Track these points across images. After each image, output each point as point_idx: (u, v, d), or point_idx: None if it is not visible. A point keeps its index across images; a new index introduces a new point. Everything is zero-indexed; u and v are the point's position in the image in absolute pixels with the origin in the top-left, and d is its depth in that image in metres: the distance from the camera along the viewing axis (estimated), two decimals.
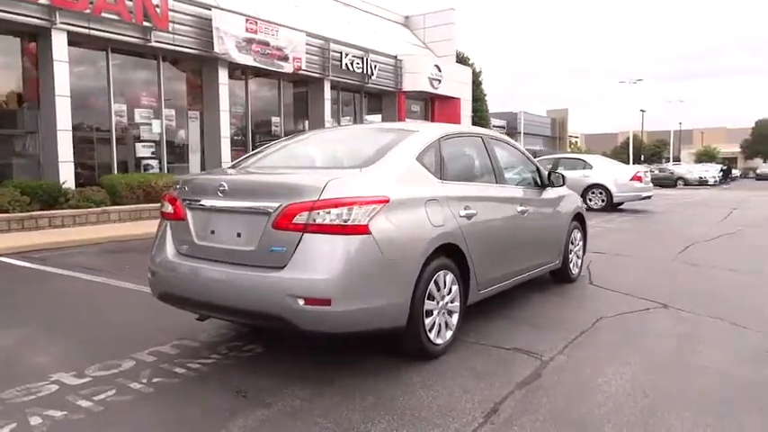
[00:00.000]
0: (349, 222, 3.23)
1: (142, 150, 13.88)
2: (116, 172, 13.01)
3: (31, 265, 7.45)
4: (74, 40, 11.81)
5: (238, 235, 3.51)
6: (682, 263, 7.56)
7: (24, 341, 4.33)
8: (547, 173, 5.64)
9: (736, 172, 53.04)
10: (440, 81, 21.34)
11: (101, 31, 12.01)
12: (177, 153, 14.79)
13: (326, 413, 3.04)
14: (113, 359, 3.84)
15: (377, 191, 3.42)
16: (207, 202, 3.67)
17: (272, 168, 4.09)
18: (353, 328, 3.32)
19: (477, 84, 24.62)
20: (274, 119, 17.21)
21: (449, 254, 3.89)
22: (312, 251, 3.23)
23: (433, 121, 22.64)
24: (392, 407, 3.12)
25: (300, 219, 3.26)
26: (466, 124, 23.28)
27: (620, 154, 56.81)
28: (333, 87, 18.19)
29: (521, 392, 3.32)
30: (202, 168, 15.05)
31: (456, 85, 22.41)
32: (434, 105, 22.59)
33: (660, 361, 3.85)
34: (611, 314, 4.98)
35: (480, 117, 24.39)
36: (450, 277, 3.91)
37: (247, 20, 14.58)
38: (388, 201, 3.41)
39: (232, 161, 15.07)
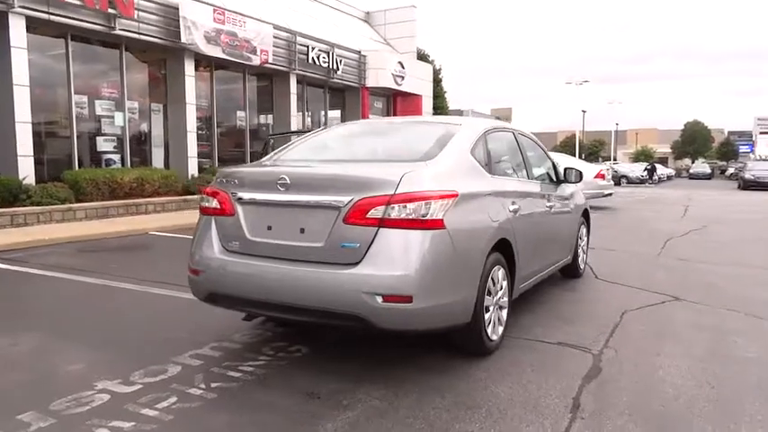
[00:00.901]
0: (428, 217, 3.15)
1: (104, 144, 13.19)
2: (76, 167, 12.32)
3: (10, 266, 6.94)
4: (31, 25, 11.08)
5: (301, 231, 3.36)
6: (670, 257, 7.85)
7: (46, 348, 4.02)
8: (563, 169, 5.70)
9: (670, 171, 55.52)
10: (403, 78, 21.35)
11: (61, 16, 11.30)
12: (139, 147, 14.15)
13: (413, 413, 2.96)
14: (155, 364, 3.62)
15: (447, 185, 3.36)
16: (264, 197, 3.49)
17: (324, 161, 3.93)
18: (429, 326, 3.25)
19: (437, 81, 24.81)
20: (239, 113, 16.75)
21: (500, 249, 3.87)
22: (390, 246, 3.13)
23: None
24: (474, 404, 3.08)
25: (376, 213, 3.15)
26: None
27: (560, 153, 58.43)
28: (298, 81, 17.87)
29: (591, 387, 3.34)
30: (166, 164, 14.47)
31: (418, 81, 22.49)
32: (396, 102, 22.58)
33: (704, 352, 3.96)
34: (633, 308, 5.09)
35: (441, 114, 24.57)
36: (501, 272, 3.89)
37: (215, 10, 14.11)
38: (457, 195, 3.36)
39: (198, 156, 14.63)
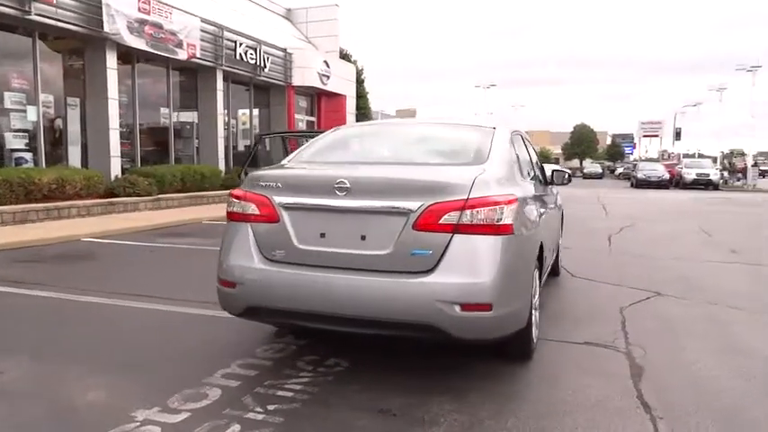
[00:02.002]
0: (501, 222, 3.07)
1: (14, 141, 11.88)
2: None
3: None
4: None
5: (362, 238, 3.16)
6: (623, 254, 8.29)
7: (42, 373, 3.53)
8: (550, 171, 5.82)
9: (567, 171, 58.78)
10: (328, 77, 21.09)
11: None
12: (54, 145, 12.89)
13: (499, 425, 2.88)
14: (187, 387, 3.27)
15: (507, 189, 3.29)
16: (317, 202, 3.24)
17: (369, 163, 3.70)
18: (501, 333, 3.17)
19: (359, 81, 24.73)
20: (163, 110, 15.74)
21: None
22: (467, 253, 3.02)
23: (319, 117, 22.33)
24: (553, 411, 3.04)
25: (450, 218, 3.03)
26: (351, 122, 23.30)
27: None
28: (224, 78, 17.10)
29: (645, 386, 3.38)
30: (84, 163, 13.29)
31: (342, 81, 22.30)
32: (321, 101, 22.27)
33: (720, 345, 4.18)
34: (626, 305, 5.29)
35: (365, 115, 24.55)
36: (537, 274, 3.89)
37: None
38: (518, 200, 3.30)
39: (121, 156, 13.58)
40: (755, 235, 11.20)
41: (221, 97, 16.90)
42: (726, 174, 36.30)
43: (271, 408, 3.03)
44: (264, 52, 18.10)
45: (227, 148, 17.58)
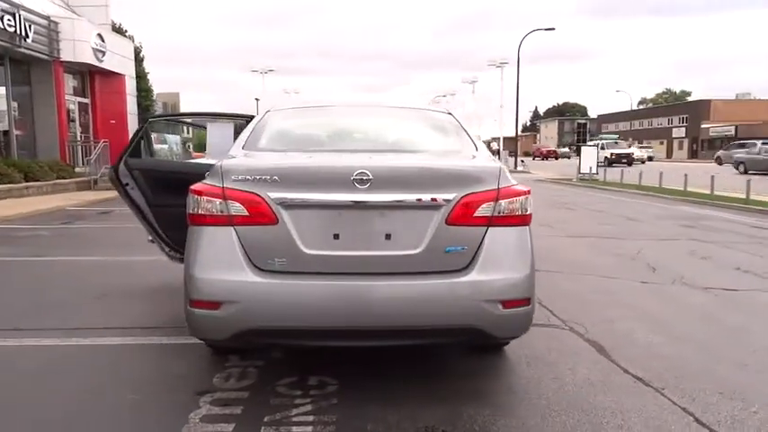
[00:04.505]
0: (527, 212, 2.94)
1: None
2: None
3: None
4: None
5: (387, 237, 2.75)
6: None
7: None
8: None
9: None
10: (104, 53, 18.45)
11: None
12: None
13: (546, 428, 2.77)
14: None
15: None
16: (331, 197, 2.71)
17: (383, 151, 3.21)
18: (529, 328, 3.04)
19: (138, 60, 22.09)
20: None
21: None
22: (503, 246, 2.83)
23: (94, 99, 19.46)
24: (580, 398, 3.04)
25: (485, 210, 2.80)
26: (132, 104, 20.80)
27: None
28: None
29: (623, 363, 3.54)
30: None
31: (120, 59, 19.71)
32: (95, 81, 19.37)
33: (632, 313, 4.65)
34: None
35: (146, 98, 22.06)
36: None
37: None
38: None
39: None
40: (551, 211, 12.86)
41: None
42: None
43: None
44: (25, 19, 15.07)
45: None
